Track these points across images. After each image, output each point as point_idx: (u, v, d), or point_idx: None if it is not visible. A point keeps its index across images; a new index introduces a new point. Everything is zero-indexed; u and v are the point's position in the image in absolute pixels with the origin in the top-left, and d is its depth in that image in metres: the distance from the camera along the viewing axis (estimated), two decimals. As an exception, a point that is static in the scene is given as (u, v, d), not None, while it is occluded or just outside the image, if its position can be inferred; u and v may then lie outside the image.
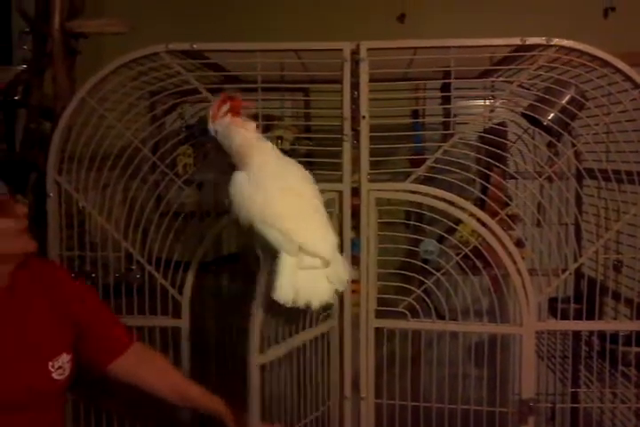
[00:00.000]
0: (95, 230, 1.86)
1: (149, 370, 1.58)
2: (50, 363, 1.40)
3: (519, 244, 1.84)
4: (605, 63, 1.72)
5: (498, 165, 1.85)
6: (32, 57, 2.13)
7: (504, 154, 1.86)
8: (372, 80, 1.76)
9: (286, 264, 1.39)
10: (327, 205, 1.78)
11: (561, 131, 1.81)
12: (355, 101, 1.78)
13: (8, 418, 1.34)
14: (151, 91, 1.88)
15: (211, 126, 1.50)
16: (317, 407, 1.77)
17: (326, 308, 1.68)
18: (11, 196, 1.34)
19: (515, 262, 1.75)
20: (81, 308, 1.49)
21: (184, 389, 1.58)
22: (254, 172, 1.46)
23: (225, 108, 1.49)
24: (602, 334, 1.92)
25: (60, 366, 1.42)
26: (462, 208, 1.77)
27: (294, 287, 1.38)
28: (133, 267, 1.88)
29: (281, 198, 1.43)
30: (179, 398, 1.59)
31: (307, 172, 1.54)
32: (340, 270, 1.45)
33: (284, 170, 1.50)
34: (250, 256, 1.59)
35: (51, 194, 1.85)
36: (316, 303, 1.40)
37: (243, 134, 1.48)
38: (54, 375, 1.40)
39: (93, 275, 1.86)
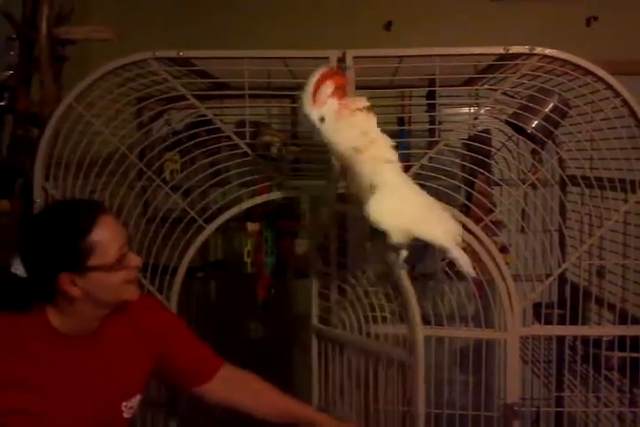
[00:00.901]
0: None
1: (240, 390, 1.58)
2: (124, 403, 1.42)
3: (503, 250, 1.86)
4: (587, 72, 1.74)
5: (482, 171, 1.87)
6: (19, 63, 2.12)
7: (489, 161, 1.88)
8: (357, 88, 1.77)
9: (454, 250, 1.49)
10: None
11: (544, 138, 1.83)
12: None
13: None
14: (138, 97, 1.89)
15: (311, 113, 1.35)
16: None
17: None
18: (128, 246, 1.34)
19: (499, 268, 1.77)
20: (166, 337, 1.50)
21: (278, 403, 1.59)
22: (390, 191, 1.41)
23: (328, 89, 1.35)
24: (585, 339, 1.94)
25: (132, 407, 1.44)
26: (447, 214, 1.79)
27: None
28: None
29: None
30: (275, 414, 1.59)
31: None
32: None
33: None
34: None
35: (37, 200, 1.85)
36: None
37: (364, 132, 1.39)
38: (125, 414, 1.42)
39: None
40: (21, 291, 1.35)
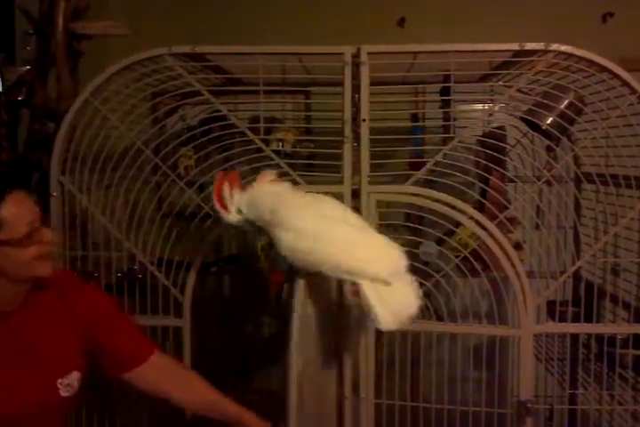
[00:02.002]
0: (98, 230, 1.87)
1: (169, 378, 1.56)
2: (59, 380, 1.41)
3: (518, 247, 1.86)
4: (603, 69, 1.73)
5: (497, 168, 1.86)
6: (36, 58, 2.14)
7: (503, 158, 1.88)
8: (372, 84, 1.78)
9: (370, 292, 1.36)
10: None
11: (559, 135, 1.82)
12: (355, 104, 1.80)
13: None
14: (153, 92, 1.90)
15: (230, 215, 1.47)
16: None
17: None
18: (41, 220, 1.35)
19: (513, 265, 1.77)
20: (98, 318, 1.49)
21: (205, 395, 1.57)
22: (290, 222, 1.42)
23: (226, 188, 1.47)
24: (600, 337, 1.93)
25: (69, 384, 1.42)
26: (462, 211, 1.79)
27: (391, 311, 1.36)
28: (135, 267, 1.89)
29: (331, 233, 1.42)
30: (200, 405, 1.58)
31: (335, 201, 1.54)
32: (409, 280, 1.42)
33: (317, 205, 1.48)
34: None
35: (54, 194, 1.86)
36: (408, 318, 1.38)
37: (268, 192, 1.46)
38: (61, 392, 1.41)
39: (96, 274, 1.88)
40: None
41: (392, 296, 1.37)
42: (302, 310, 1.46)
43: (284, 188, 1.50)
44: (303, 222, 1.42)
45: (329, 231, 1.42)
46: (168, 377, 1.56)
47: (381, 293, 1.36)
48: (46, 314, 1.42)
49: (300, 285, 1.48)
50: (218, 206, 1.48)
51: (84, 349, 1.47)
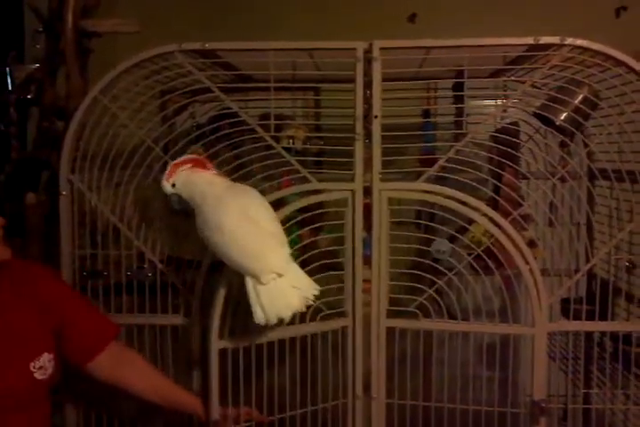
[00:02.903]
0: (107, 229, 1.86)
1: (128, 369, 1.59)
2: (31, 364, 1.41)
3: (532, 244, 1.83)
4: (619, 63, 1.71)
5: (510, 164, 1.84)
6: (45, 56, 2.13)
7: (517, 154, 1.86)
8: (383, 80, 1.76)
9: (250, 287, 1.47)
10: (339, 204, 1.80)
11: (574, 131, 1.80)
12: (367, 101, 1.78)
13: None
14: (163, 90, 1.89)
15: (166, 184, 1.57)
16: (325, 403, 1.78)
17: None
18: None
19: (527, 263, 1.75)
20: (58, 304, 1.50)
21: (164, 388, 1.61)
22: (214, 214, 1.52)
23: (184, 166, 1.57)
24: (614, 336, 1.91)
25: (42, 366, 1.42)
26: (475, 208, 1.77)
27: (262, 307, 1.45)
28: (145, 265, 1.89)
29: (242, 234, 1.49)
30: (158, 398, 1.61)
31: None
32: (301, 277, 1.51)
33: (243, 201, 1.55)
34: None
35: (63, 192, 1.86)
36: (287, 314, 1.46)
37: (203, 175, 1.57)
38: (36, 375, 1.41)
39: (105, 273, 1.87)
40: None
41: (268, 294, 1.45)
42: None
43: (214, 176, 1.59)
44: (225, 218, 1.49)
45: (243, 233, 1.49)
46: (125, 367, 1.59)
47: (260, 290, 1.46)
48: (5, 300, 1.42)
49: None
50: (165, 173, 1.57)
51: (51, 332, 1.47)
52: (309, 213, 1.83)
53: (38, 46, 2.20)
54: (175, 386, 1.64)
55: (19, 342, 1.41)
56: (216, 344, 1.65)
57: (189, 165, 1.57)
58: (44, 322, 1.47)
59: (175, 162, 1.59)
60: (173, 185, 1.57)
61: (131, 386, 1.59)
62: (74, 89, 2.02)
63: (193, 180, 1.56)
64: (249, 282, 1.47)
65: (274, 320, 1.46)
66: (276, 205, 1.83)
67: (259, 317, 1.46)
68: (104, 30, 2.04)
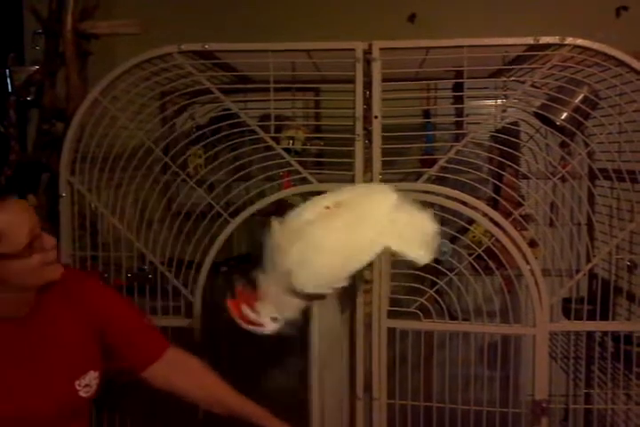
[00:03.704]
0: (107, 231, 1.86)
1: (184, 376, 1.55)
2: (77, 382, 1.39)
3: (532, 244, 1.83)
4: (620, 62, 1.71)
5: (511, 164, 1.84)
6: (44, 58, 2.13)
7: (517, 154, 1.86)
8: (383, 80, 1.76)
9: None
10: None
11: (574, 130, 1.79)
12: (366, 101, 1.78)
13: None
14: (162, 91, 1.89)
15: (266, 326, 1.43)
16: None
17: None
18: (42, 226, 1.32)
19: (528, 263, 1.75)
20: (110, 318, 1.47)
21: (222, 393, 1.55)
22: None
23: (246, 308, 1.43)
24: (616, 335, 1.91)
25: (87, 384, 1.41)
26: (475, 208, 1.77)
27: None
28: (146, 267, 1.88)
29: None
30: (216, 403, 1.55)
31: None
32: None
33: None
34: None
35: (63, 194, 1.86)
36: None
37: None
38: (81, 393, 1.40)
39: (106, 275, 1.87)
40: None
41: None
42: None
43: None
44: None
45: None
46: (183, 374, 1.54)
47: None
48: (56, 315, 1.41)
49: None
50: (251, 327, 1.44)
51: (97, 347, 1.46)
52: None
53: (38, 48, 2.19)
54: (234, 394, 1.56)
55: (66, 360, 1.39)
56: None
57: (244, 305, 1.44)
58: (92, 338, 1.45)
59: (236, 313, 1.45)
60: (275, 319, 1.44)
61: (184, 391, 1.54)
62: (73, 91, 2.02)
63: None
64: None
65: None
66: (277, 205, 1.83)
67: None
68: (103, 32, 2.04)
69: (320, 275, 1.41)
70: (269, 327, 1.43)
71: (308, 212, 1.44)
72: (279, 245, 1.41)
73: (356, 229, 1.42)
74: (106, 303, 1.48)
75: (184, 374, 1.55)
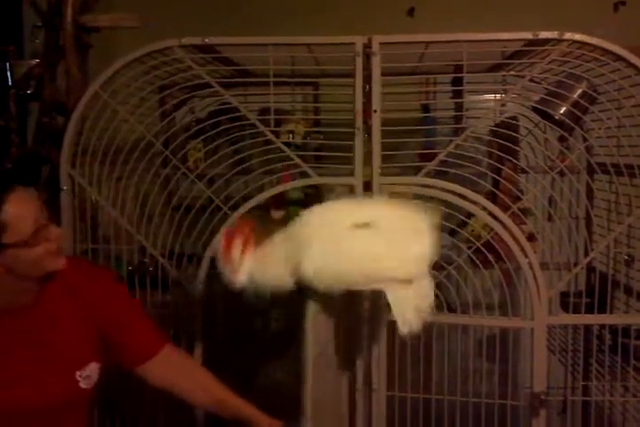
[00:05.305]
0: (108, 224, 1.87)
1: (180, 374, 1.55)
2: (77, 373, 1.40)
3: (531, 238, 1.84)
4: (618, 57, 1.71)
5: (510, 158, 1.85)
6: (44, 51, 2.13)
7: (516, 148, 1.86)
8: (382, 74, 1.76)
9: (394, 299, 1.35)
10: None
11: (573, 125, 1.80)
12: (366, 95, 1.79)
13: (37, 426, 1.36)
14: (162, 85, 1.89)
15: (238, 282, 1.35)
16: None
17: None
18: (48, 217, 1.33)
19: (526, 256, 1.76)
20: (108, 310, 1.47)
21: (216, 392, 1.55)
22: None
23: (237, 249, 1.35)
24: (613, 328, 1.92)
25: (88, 375, 1.42)
26: (474, 202, 1.78)
27: (413, 316, 1.35)
28: (146, 260, 1.89)
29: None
30: (210, 402, 1.56)
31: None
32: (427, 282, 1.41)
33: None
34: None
35: (64, 187, 1.86)
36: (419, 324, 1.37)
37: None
38: (82, 384, 1.40)
39: (106, 268, 1.88)
40: None
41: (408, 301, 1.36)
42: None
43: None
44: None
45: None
46: (178, 372, 1.55)
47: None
48: (59, 306, 1.41)
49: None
50: (224, 267, 1.36)
51: (98, 339, 1.47)
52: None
53: (38, 41, 2.19)
54: (228, 392, 1.56)
55: (68, 350, 1.40)
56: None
57: (240, 249, 1.36)
58: (93, 329, 1.45)
59: (224, 241, 1.37)
60: (251, 278, 1.37)
61: (180, 389, 1.55)
62: (73, 84, 2.02)
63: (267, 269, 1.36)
64: (391, 293, 1.36)
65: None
66: (277, 199, 1.84)
67: (409, 326, 1.35)
68: (103, 25, 2.04)
69: (333, 274, 1.36)
70: (239, 280, 1.35)
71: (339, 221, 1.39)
72: (302, 234, 1.37)
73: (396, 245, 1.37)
74: (106, 299, 1.48)
75: (179, 372, 1.55)
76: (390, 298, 1.35)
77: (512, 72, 1.96)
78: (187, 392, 1.55)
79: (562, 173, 1.82)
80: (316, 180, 1.81)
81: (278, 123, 1.93)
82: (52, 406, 1.37)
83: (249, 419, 1.52)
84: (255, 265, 1.36)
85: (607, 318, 1.85)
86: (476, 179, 1.80)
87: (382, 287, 1.36)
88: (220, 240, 1.39)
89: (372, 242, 1.36)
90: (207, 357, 1.87)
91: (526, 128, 1.95)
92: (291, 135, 2.02)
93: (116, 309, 1.49)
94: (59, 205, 1.86)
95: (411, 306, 1.36)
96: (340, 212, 1.42)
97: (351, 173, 1.79)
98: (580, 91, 1.80)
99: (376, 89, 1.76)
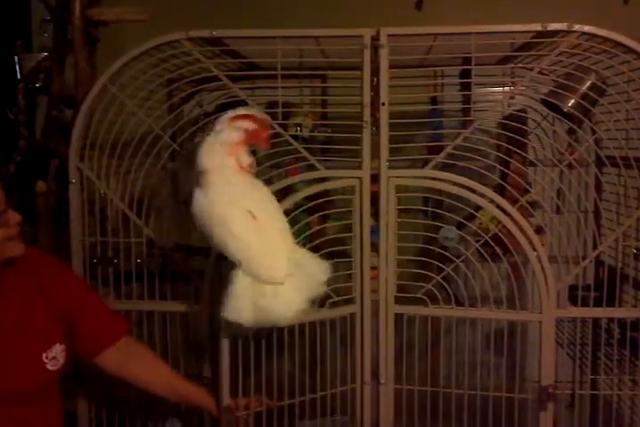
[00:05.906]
0: (116, 217, 1.87)
1: (138, 363, 1.60)
2: (44, 354, 1.42)
3: (539, 231, 1.84)
4: (628, 49, 1.70)
5: (518, 151, 1.84)
6: (53, 44, 2.14)
7: (524, 140, 1.86)
8: (390, 67, 1.75)
9: (241, 284, 1.44)
10: (346, 192, 1.81)
11: (581, 117, 1.79)
12: (374, 88, 1.78)
13: (6, 410, 1.38)
14: (170, 78, 1.89)
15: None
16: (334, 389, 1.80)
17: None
18: (6, 204, 1.35)
19: (535, 249, 1.75)
20: (68, 298, 1.51)
21: (173, 382, 1.62)
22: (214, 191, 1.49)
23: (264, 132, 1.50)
24: (622, 322, 1.92)
25: (54, 357, 1.44)
26: (482, 195, 1.77)
27: (249, 310, 1.42)
28: (155, 252, 1.90)
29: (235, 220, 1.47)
30: (168, 391, 1.62)
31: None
32: (314, 273, 1.49)
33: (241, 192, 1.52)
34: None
35: (73, 180, 1.87)
36: (283, 321, 1.45)
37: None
38: (48, 366, 1.43)
39: (115, 261, 1.88)
40: None
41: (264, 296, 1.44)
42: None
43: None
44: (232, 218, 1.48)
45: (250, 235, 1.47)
46: (136, 362, 1.60)
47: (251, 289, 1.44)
48: (21, 292, 1.44)
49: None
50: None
51: (60, 322, 1.49)
52: (318, 201, 1.84)
53: (46, 35, 2.20)
54: (183, 380, 1.64)
55: (32, 334, 1.43)
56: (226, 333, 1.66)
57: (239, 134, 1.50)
58: (55, 314, 1.48)
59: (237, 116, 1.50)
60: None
61: (139, 380, 1.61)
62: (82, 77, 2.02)
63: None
64: (239, 277, 1.46)
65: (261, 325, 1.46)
66: (284, 192, 1.84)
67: (237, 316, 1.43)
68: (111, 19, 2.04)
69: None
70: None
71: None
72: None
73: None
74: (66, 287, 1.52)
75: (136, 361, 1.60)
76: (237, 279, 1.44)
77: (520, 64, 1.95)
78: (144, 381, 1.61)
79: (570, 166, 1.81)
80: (323, 173, 1.81)
81: (286, 116, 1.92)
82: (20, 389, 1.39)
83: (198, 400, 1.62)
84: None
85: (616, 312, 1.84)
86: (484, 171, 1.80)
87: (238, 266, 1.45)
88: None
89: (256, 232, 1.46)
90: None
91: (535, 121, 1.94)
92: (298, 128, 2.02)
93: (74, 297, 1.53)
94: (67, 199, 1.87)
95: (249, 297, 1.42)
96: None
97: (359, 166, 1.79)
98: (589, 83, 1.79)
99: (384, 82, 1.76)
